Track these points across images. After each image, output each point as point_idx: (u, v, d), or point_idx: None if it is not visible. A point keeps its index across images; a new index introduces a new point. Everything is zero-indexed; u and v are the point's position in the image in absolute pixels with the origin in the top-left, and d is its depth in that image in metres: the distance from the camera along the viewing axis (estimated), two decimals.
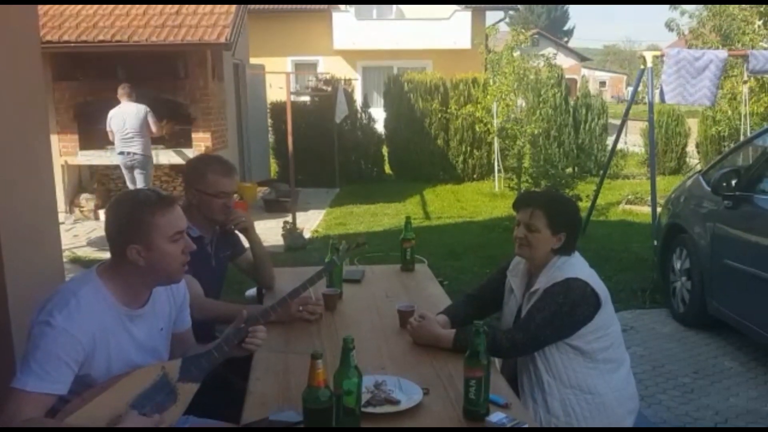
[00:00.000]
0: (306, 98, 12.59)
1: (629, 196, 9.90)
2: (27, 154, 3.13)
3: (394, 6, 21.37)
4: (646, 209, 8.35)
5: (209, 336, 2.52)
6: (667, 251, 5.31)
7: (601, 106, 13.04)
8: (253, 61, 12.35)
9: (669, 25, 11.10)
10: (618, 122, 8.37)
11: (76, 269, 5.95)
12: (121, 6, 8.69)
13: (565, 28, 60.09)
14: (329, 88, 11.67)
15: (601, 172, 8.16)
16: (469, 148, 12.37)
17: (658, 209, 6.00)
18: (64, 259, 5.24)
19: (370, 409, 1.90)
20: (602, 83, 45.89)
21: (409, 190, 11.19)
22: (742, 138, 8.14)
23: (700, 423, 3.53)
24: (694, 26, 11.31)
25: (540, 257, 2.40)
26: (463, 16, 20.20)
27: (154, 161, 8.26)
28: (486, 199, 10.53)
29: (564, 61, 25.84)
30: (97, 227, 8.25)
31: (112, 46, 8.16)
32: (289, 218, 7.70)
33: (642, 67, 6.70)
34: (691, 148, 13.20)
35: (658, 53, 6.87)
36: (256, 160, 11.42)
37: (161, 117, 8.22)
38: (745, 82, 8.06)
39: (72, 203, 8.90)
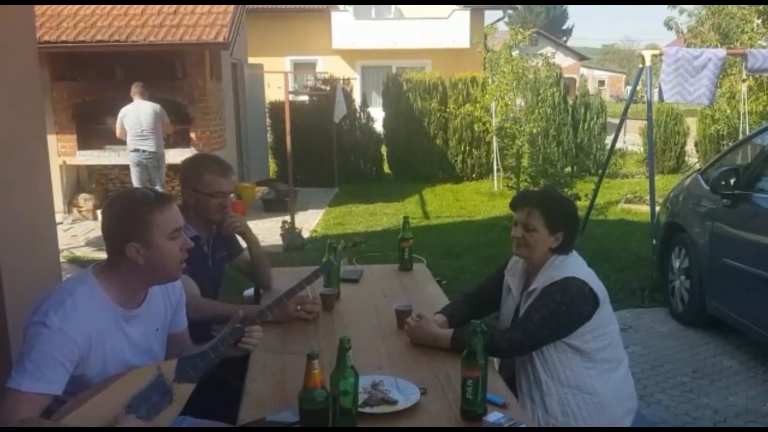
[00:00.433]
0: (305, 98, 12.59)
1: (628, 195, 9.90)
2: (24, 154, 3.12)
3: (393, 6, 21.36)
4: (645, 208, 8.35)
5: (206, 336, 2.51)
6: (666, 250, 5.30)
7: (599, 105, 13.05)
8: (251, 60, 12.35)
9: (668, 24, 11.10)
10: (617, 121, 8.36)
11: (75, 269, 5.94)
12: (119, 6, 8.69)
13: (564, 27, 60.09)
14: (328, 88, 11.66)
15: (600, 171, 8.16)
16: (467, 148, 12.37)
17: (657, 208, 6.00)
18: (63, 260, 5.24)
19: (367, 410, 1.89)
20: (601, 82, 45.93)
21: (408, 190, 11.19)
22: (740, 137, 8.13)
23: (699, 422, 3.52)
24: (693, 25, 11.31)
25: (538, 257, 2.39)
26: (461, 15, 20.19)
27: None
28: (485, 199, 10.53)
29: (563, 61, 25.84)
30: (96, 227, 8.24)
31: (110, 46, 8.16)
32: (288, 218, 7.70)
33: (641, 66, 6.70)
34: (690, 147, 13.21)
35: (656, 52, 6.86)
36: (254, 160, 11.41)
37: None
38: (743, 81, 8.04)
39: (70, 203, 8.89)
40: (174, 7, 8.72)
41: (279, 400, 2.00)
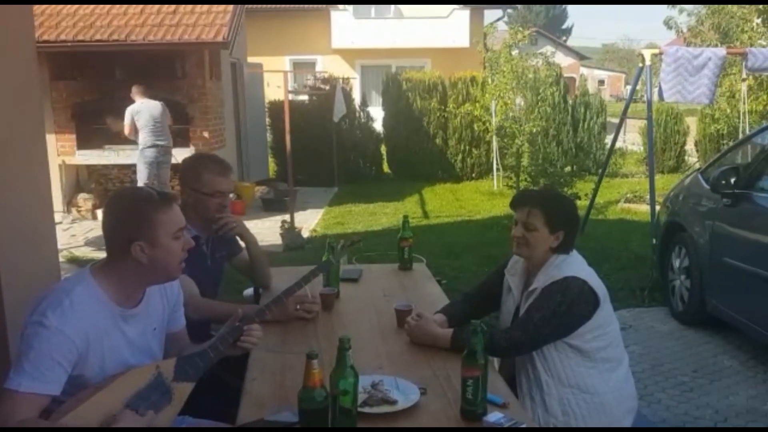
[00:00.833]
0: (304, 97, 12.58)
1: (628, 195, 9.89)
2: (23, 153, 3.11)
3: (393, 5, 21.34)
4: (645, 207, 8.34)
5: (205, 336, 2.49)
6: (666, 249, 5.30)
7: (599, 104, 13.04)
8: (251, 60, 12.33)
9: (668, 24, 11.11)
10: (616, 121, 8.35)
11: (74, 269, 5.92)
12: (118, 5, 8.67)
13: (564, 26, 60.11)
14: (327, 87, 11.66)
15: (600, 170, 8.14)
16: (467, 147, 12.37)
17: (657, 207, 5.99)
18: (62, 259, 5.23)
19: (366, 410, 1.89)
20: (601, 82, 45.89)
21: (408, 189, 11.18)
22: (740, 136, 8.12)
23: (700, 422, 3.52)
24: (693, 24, 11.31)
25: (538, 256, 2.39)
26: (461, 14, 20.18)
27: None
28: (484, 198, 10.52)
29: (562, 60, 25.85)
30: (95, 227, 8.23)
31: (109, 45, 8.15)
32: (288, 217, 7.69)
33: (641, 65, 6.68)
34: (689, 146, 13.20)
35: (656, 51, 6.84)
36: (254, 160, 11.40)
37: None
38: (743, 80, 8.02)
39: (69, 203, 8.88)
40: (173, 6, 8.71)
41: (278, 400, 2.00)
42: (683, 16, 11.18)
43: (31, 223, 3.18)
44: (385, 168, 12.94)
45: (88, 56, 8.52)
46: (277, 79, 10.68)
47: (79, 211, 8.87)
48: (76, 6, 8.66)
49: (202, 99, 8.76)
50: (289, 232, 7.37)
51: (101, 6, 8.66)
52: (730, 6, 10.22)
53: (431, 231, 8.07)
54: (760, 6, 9.67)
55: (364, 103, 12.82)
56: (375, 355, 2.33)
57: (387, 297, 2.96)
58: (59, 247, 3.75)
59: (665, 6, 11.15)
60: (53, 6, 8.60)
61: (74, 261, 6.63)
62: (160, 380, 1.91)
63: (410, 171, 12.31)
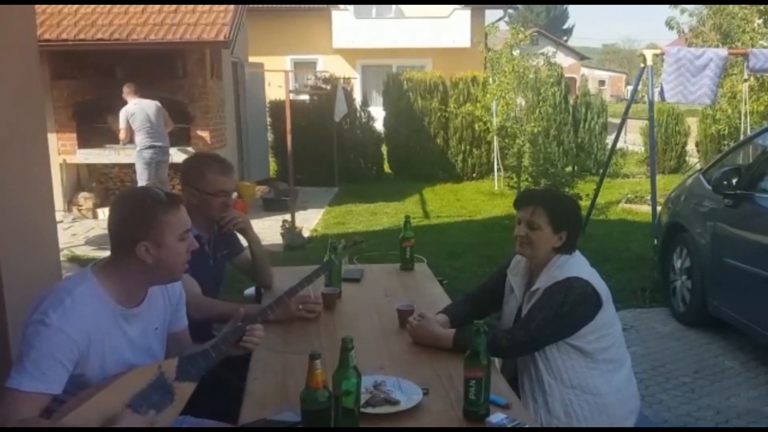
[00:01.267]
0: (305, 97, 12.58)
1: (629, 195, 9.89)
2: (24, 152, 3.11)
3: (394, 5, 21.33)
4: (646, 208, 8.34)
5: (207, 335, 2.49)
6: (667, 250, 5.29)
7: (600, 104, 13.04)
8: (252, 59, 12.33)
9: (669, 24, 11.08)
10: (617, 121, 8.35)
11: (75, 268, 5.92)
12: (119, 5, 8.67)
13: (565, 26, 60.07)
14: (328, 87, 11.65)
15: (601, 171, 8.14)
16: (468, 147, 12.36)
17: (658, 208, 5.99)
18: (63, 258, 5.23)
19: (369, 410, 1.88)
20: (602, 82, 45.87)
21: (409, 189, 11.18)
22: (741, 137, 8.12)
23: (701, 423, 3.52)
24: (694, 25, 11.29)
25: (541, 256, 2.38)
26: (462, 14, 20.17)
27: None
28: (485, 198, 10.52)
29: (563, 60, 25.82)
30: (96, 226, 8.23)
31: (110, 44, 8.15)
32: (288, 217, 7.69)
33: (642, 65, 6.67)
34: (690, 146, 13.20)
35: (658, 52, 6.83)
36: (255, 159, 11.39)
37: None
38: (745, 81, 8.02)
39: (70, 202, 8.88)
40: (174, 5, 8.71)
41: (280, 400, 1.99)
42: (685, 16, 11.15)
43: (32, 222, 3.17)
44: (386, 168, 12.94)
45: (89, 55, 8.51)
46: (278, 78, 10.65)
47: (79, 210, 8.87)
48: (77, 5, 8.65)
49: (203, 98, 8.76)
50: (290, 231, 7.37)
51: (102, 5, 8.65)
52: (731, 6, 10.20)
53: (432, 231, 8.07)
54: (762, 6, 9.66)
55: (365, 103, 12.81)
56: (377, 356, 2.32)
57: (389, 297, 2.96)
58: (60, 246, 3.74)
59: (666, 6, 11.11)
60: (54, 5, 8.60)
61: (75, 260, 6.62)
62: (162, 380, 1.91)
63: (411, 171, 12.31)
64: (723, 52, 6.65)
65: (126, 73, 8.47)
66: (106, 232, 1.98)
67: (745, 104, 8.19)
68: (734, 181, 4.36)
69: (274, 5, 19.49)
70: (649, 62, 6.44)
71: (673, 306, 5.10)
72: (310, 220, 8.70)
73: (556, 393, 2.29)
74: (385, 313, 2.73)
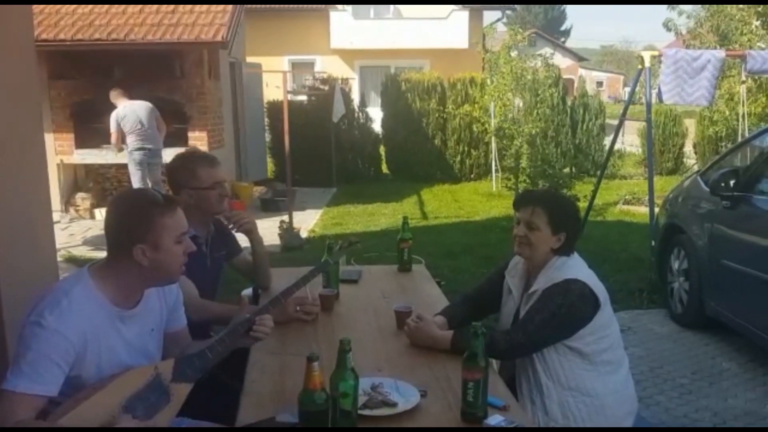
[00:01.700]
0: (303, 97, 12.57)
1: (627, 197, 9.89)
2: (21, 153, 3.10)
3: (392, 6, 21.35)
4: (644, 209, 8.34)
5: (204, 337, 2.49)
6: (665, 252, 5.30)
7: (598, 106, 13.06)
8: (250, 60, 12.32)
9: (667, 26, 11.09)
10: (615, 122, 8.35)
11: (72, 269, 5.91)
12: (117, 5, 8.65)
13: (563, 28, 60.16)
14: (326, 88, 11.65)
15: (599, 172, 8.14)
16: (466, 148, 12.37)
17: (656, 209, 5.99)
18: (60, 259, 5.22)
19: (366, 412, 1.88)
20: (599, 83, 45.93)
21: (406, 190, 11.18)
22: (739, 138, 8.12)
23: (699, 424, 3.52)
24: (692, 26, 11.30)
25: (539, 257, 2.38)
26: (460, 15, 20.19)
27: None
28: (483, 199, 10.52)
29: (561, 61, 25.87)
30: (93, 226, 8.22)
31: (108, 44, 8.14)
32: (286, 218, 7.68)
33: (640, 67, 6.68)
34: (688, 148, 13.21)
35: (655, 53, 6.84)
36: (252, 160, 11.38)
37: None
38: (742, 83, 8.02)
39: (67, 202, 8.86)
40: (172, 6, 8.70)
41: (278, 402, 1.99)
42: (682, 18, 11.15)
43: (30, 222, 3.16)
44: (384, 169, 12.94)
45: (86, 55, 8.50)
46: (276, 79, 10.66)
47: (77, 211, 8.85)
48: (75, 5, 8.63)
49: (201, 99, 8.75)
50: (288, 232, 7.36)
51: (100, 5, 8.64)
52: (728, 8, 10.21)
53: (430, 232, 8.07)
54: (759, 8, 9.66)
55: (363, 104, 12.82)
56: (375, 357, 2.32)
57: (386, 298, 2.95)
58: (57, 246, 3.73)
59: (664, 7, 11.12)
60: (52, 5, 8.58)
61: (72, 260, 6.61)
62: (159, 381, 1.90)
63: (409, 172, 12.31)
64: (720, 53, 6.66)
65: (123, 74, 8.46)
66: (103, 232, 1.97)
67: (743, 106, 8.18)
68: (732, 182, 4.36)
69: (273, 5, 19.50)
70: (647, 64, 6.45)
71: (670, 307, 5.11)
72: (307, 221, 8.70)
73: (554, 394, 2.28)
74: (382, 314, 2.73)
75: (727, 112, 10.19)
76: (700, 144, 12.39)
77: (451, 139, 12.38)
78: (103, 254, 1.98)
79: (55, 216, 7.30)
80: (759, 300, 3.96)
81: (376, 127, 12.69)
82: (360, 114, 12.55)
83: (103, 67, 8.59)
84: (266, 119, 12.04)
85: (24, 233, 3.07)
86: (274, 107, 11.64)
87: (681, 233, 5.03)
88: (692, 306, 4.76)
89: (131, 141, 7.74)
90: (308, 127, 11.33)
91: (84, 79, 8.64)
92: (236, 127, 10.84)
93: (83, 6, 8.63)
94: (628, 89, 9.24)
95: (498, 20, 21.85)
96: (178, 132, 8.65)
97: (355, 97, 13.29)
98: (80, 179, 9.15)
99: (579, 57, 43.31)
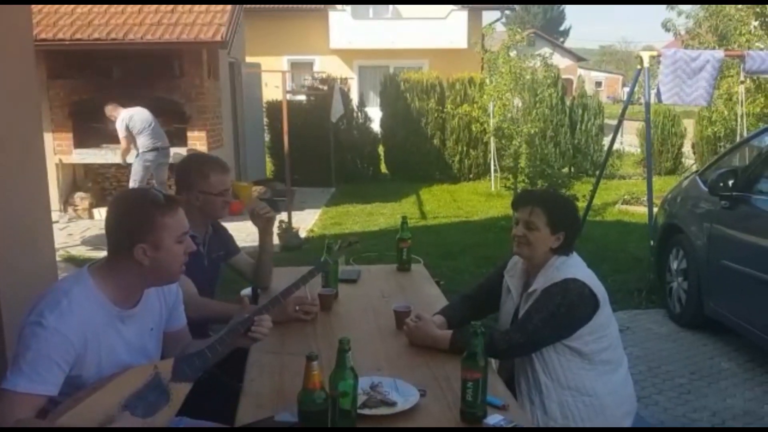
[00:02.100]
0: (302, 97, 12.57)
1: (625, 197, 9.89)
2: (20, 152, 3.10)
3: (391, 5, 21.35)
4: (643, 209, 8.34)
5: (203, 336, 2.49)
6: (663, 252, 5.30)
7: (597, 106, 13.06)
8: (249, 59, 12.31)
9: (665, 26, 11.09)
10: (614, 122, 8.36)
11: (71, 268, 5.90)
12: (116, 4, 8.65)
13: (562, 28, 60.15)
14: (325, 88, 11.64)
15: (598, 172, 8.15)
16: (465, 148, 12.37)
17: (655, 209, 5.99)
18: (59, 258, 5.22)
19: (366, 411, 1.88)
20: (598, 83, 45.92)
21: (405, 190, 11.18)
22: (737, 138, 8.13)
23: (697, 424, 3.52)
24: (691, 27, 11.30)
25: (538, 256, 2.38)
26: (459, 15, 20.19)
27: None
28: (482, 199, 10.53)
29: (560, 62, 25.86)
30: (92, 226, 8.21)
31: (107, 44, 8.12)
32: (285, 218, 7.68)
33: (639, 67, 6.68)
34: (687, 148, 13.22)
35: (654, 53, 6.85)
36: (251, 160, 11.37)
37: (156, 116, 8.12)
38: (741, 83, 8.03)
39: (66, 202, 8.85)
40: (171, 5, 8.69)
41: (277, 402, 1.99)
42: (681, 18, 11.15)
43: (29, 222, 3.16)
44: (383, 168, 12.93)
45: (85, 55, 8.48)
46: (275, 79, 10.66)
47: (75, 211, 8.84)
48: (74, 5, 8.62)
49: (200, 98, 8.74)
50: (287, 232, 7.36)
51: (99, 5, 8.63)
52: (727, 8, 10.21)
53: (429, 232, 8.07)
54: (758, 8, 9.66)
55: (362, 104, 12.80)
56: (374, 357, 2.32)
57: (386, 298, 2.96)
58: (56, 246, 3.73)
59: (663, 8, 11.11)
60: (51, 5, 8.57)
61: (71, 260, 6.60)
62: (158, 380, 1.90)
63: (408, 171, 12.31)
64: (719, 54, 6.67)
65: (122, 73, 8.45)
66: (102, 232, 1.98)
67: (742, 106, 8.19)
68: (731, 182, 4.37)
69: (272, 5, 19.49)
70: (646, 64, 6.46)
71: (669, 307, 5.11)
72: (306, 221, 8.69)
73: (553, 394, 2.29)
74: (382, 314, 2.73)
75: (726, 113, 10.20)
76: (698, 144, 12.39)
77: (450, 139, 12.38)
78: (102, 254, 1.98)
79: (54, 216, 7.29)
80: (758, 300, 3.97)
81: (375, 126, 12.69)
82: (359, 114, 12.54)
83: (102, 66, 8.58)
84: (265, 119, 12.04)
85: (23, 233, 3.07)
86: (273, 107, 11.64)
87: (680, 233, 5.03)
88: (691, 306, 4.76)
89: (143, 142, 7.66)
90: (307, 126, 11.33)
91: (83, 79, 8.62)
92: (235, 127, 10.83)
93: (82, 6, 8.62)
94: (626, 89, 9.26)
95: (497, 20, 21.82)
96: (177, 132, 8.64)
97: (354, 97, 13.26)
98: (79, 179, 9.14)
99: (578, 57, 43.31)
